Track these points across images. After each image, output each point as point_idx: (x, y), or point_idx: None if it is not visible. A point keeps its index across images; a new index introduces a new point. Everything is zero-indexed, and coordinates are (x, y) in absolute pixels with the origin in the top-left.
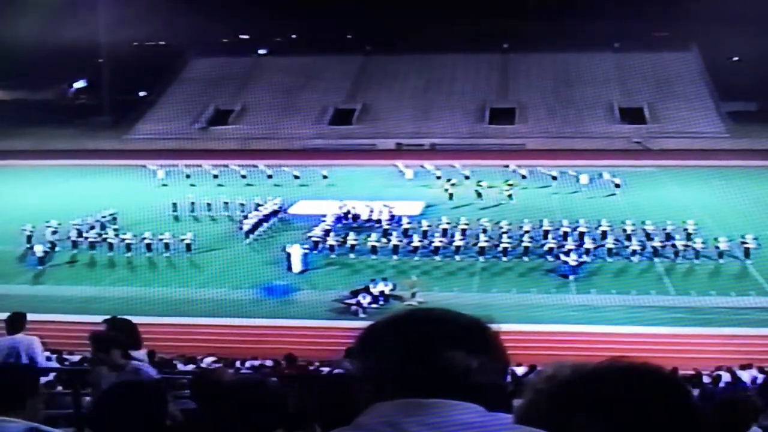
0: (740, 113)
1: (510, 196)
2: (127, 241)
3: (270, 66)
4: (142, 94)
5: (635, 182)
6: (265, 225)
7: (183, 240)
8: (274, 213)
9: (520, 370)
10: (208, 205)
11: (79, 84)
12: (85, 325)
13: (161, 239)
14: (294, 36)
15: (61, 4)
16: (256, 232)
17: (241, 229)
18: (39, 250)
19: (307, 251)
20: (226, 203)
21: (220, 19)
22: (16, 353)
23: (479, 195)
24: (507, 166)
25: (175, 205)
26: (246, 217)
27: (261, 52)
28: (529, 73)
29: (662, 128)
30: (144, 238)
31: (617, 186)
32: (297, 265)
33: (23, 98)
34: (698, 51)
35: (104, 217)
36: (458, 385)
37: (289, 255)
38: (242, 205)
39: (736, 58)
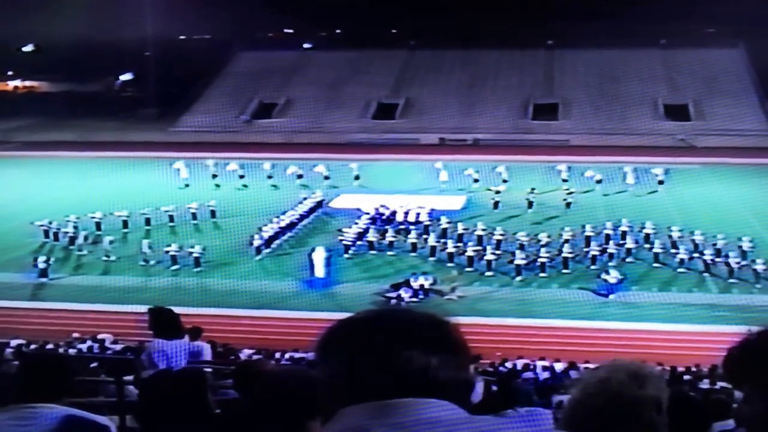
0: None
1: (568, 205)
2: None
3: (314, 60)
4: (187, 87)
5: (679, 179)
6: (282, 238)
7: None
8: (291, 226)
9: (559, 366)
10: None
11: (126, 77)
12: (127, 315)
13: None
14: (339, 31)
15: None
16: (272, 246)
17: (251, 244)
18: (41, 261)
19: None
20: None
21: (265, 13)
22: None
23: (530, 205)
24: (565, 181)
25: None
26: (260, 230)
27: (306, 46)
28: (574, 69)
29: (707, 125)
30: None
31: (661, 183)
32: (320, 270)
33: (70, 90)
34: (745, 48)
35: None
36: (420, 383)
37: (312, 260)
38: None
39: None
